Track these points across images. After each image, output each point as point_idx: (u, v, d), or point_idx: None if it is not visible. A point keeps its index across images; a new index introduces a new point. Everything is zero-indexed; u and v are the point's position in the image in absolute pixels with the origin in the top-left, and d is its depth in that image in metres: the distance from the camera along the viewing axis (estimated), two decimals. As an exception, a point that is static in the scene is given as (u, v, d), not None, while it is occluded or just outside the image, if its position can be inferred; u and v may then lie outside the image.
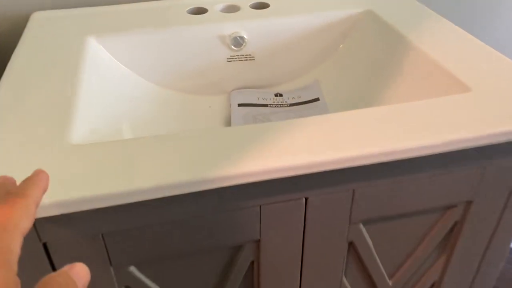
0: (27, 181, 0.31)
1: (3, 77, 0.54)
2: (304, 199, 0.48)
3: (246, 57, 0.74)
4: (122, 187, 0.39)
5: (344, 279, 0.58)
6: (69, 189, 0.39)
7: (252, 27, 0.72)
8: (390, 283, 0.61)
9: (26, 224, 0.27)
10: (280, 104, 0.73)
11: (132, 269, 0.48)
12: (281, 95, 0.75)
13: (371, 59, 0.71)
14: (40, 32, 0.66)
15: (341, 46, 0.76)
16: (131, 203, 0.42)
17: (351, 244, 0.55)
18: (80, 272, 0.27)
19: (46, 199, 0.37)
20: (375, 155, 0.44)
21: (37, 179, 0.31)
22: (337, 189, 0.48)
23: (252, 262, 0.52)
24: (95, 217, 0.43)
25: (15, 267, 0.24)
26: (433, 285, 0.65)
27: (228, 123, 0.70)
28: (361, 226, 0.53)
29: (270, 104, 0.73)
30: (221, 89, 0.76)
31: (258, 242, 0.50)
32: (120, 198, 0.39)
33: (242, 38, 0.72)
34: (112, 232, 0.44)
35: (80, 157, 0.42)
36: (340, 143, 0.44)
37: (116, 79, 0.66)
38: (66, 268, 0.27)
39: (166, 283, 0.51)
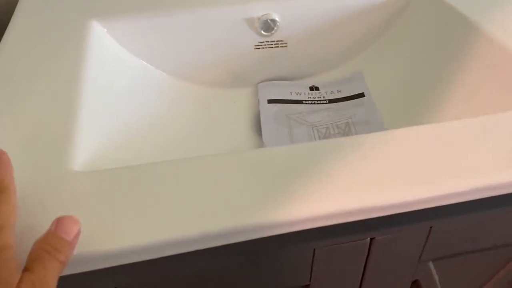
0: None
1: None
2: (369, 240, 0.38)
3: (277, 44, 0.63)
4: (152, 237, 0.29)
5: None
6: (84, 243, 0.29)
7: (285, 8, 0.60)
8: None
9: (14, 217, 0.26)
10: (317, 100, 0.62)
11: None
12: (317, 89, 0.64)
13: (426, 47, 0.60)
14: (33, 14, 0.55)
15: (388, 30, 0.64)
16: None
17: (414, 282, 0.46)
18: (67, 225, 0.26)
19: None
20: (476, 190, 0.34)
21: (2, 163, 0.29)
22: (412, 227, 0.38)
23: None
24: (110, 270, 0.33)
25: (11, 263, 0.24)
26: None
27: (256, 122, 0.59)
28: (430, 263, 0.44)
29: (305, 100, 0.62)
30: (247, 81, 0.64)
31: (307, 286, 0.41)
32: (151, 252, 0.30)
33: (273, 21, 0.60)
34: (127, 285, 0.35)
35: (87, 191, 0.32)
36: (425, 174, 0.33)
37: (125, 73, 0.55)
38: (52, 227, 0.26)
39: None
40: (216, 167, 0.34)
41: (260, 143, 0.55)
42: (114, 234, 0.29)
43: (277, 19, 0.60)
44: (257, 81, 0.64)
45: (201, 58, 0.61)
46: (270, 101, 0.61)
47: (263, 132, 0.56)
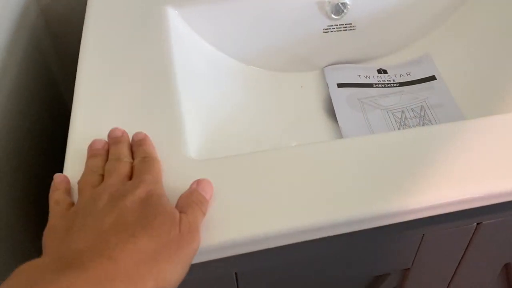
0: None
1: (80, 68, 0.43)
2: (475, 224, 0.38)
3: (346, 27, 0.62)
4: (286, 224, 0.30)
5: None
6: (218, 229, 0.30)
7: (356, -9, 0.59)
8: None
9: (162, 177, 0.32)
10: (387, 84, 0.62)
11: None
12: (385, 72, 0.63)
13: (496, 28, 0.59)
14: (108, 4, 0.54)
15: (457, 11, 0.63)
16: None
17: (505, 266, 0.46)
18: (206, 186, 0.31)
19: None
20: None
21: (148, 143, 0.34)
22: (518, 212, 0.38)
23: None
24: (232, 258, 0.34)
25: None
26: None
27: (327, 106, 0.59)
28: None
29: (376, 84, 0.62)
30: (313, 65, 0.64)
31: (407, 270, 0.41)
32: (285, 238, 0.30)
33: (344, 4, 0.59)
34: (247, 271, 0.36)
35: (208, 177, 0.33)
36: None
37: (201, 60, 0.55)
38: (194, 185, 0.31)
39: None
40: (326, 154, 0.34)
41: (337, 128, 0.55)
42: (246, 221, 0.30)
43: (347, 2, 0.59)
44: (323, 64, 0.64)
45: (270, 43, 0.61)
46: (340, 85, 0.61)
47: (338, 117, 0.56)
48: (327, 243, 0.35)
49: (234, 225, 0.30)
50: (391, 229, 0.36)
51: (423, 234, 0.37)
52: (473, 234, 0.39)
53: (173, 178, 0.33)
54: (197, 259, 0.29)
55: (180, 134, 0.36)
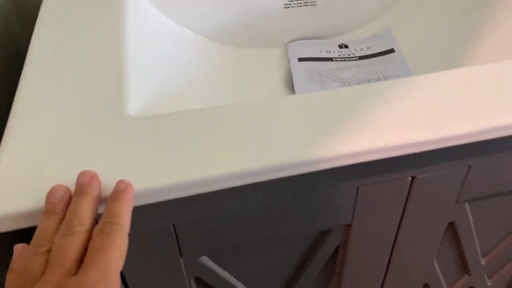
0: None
1: (34, 38, 0.44)
2: (410, 178, 0.40)
3: (306, 2, 0.63)
4: (208, 172, 0.31)
5: (434, 260, 0.51)
6: (144, 178, 0.31)
7: (314, -36, 0.61)
8: (483, 262, 0.54)
9: (123, 259, 0.27)
10: (347, 57, 0.63)
11: (204, 259, 0.42)
12: (346, 47, 0.65)
13: (454, 3, 0.60)
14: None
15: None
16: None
17: (450, 224, 0.47)
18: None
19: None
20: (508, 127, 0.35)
21: (124, 199, 0.29)
22: (451, 164, 0.39)
23: (337, 247, 0.45)
24: (167, 208, 0.35)
25: None
26: (527, 263, 0.57)
27: (288, 80, 0.60)
28: (467, 205, 0.45)
29: (336, 58, 0.63)
30: (276, 41, 0.65)
31: (348, 226, 0.43)
32: (205, 186, 0.32)
33: (303, -21, 0.61)
34: (185, 222, 0.37)
35: (144, 134, 0.34)
36: (458, 112, 0.35)
37: (160, 34, 0.56)
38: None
39: (240, 272, 0.45)
40: (263, 111, 0.36)
41: (294, 99, 0.56)
42: (174, 168, 0.31)
43: (306, -24, 0.60)
44: (287, 40, 0.65)
45: (231, 19, 0.62)
46: (301, 59, 0.62)
47: (296, 90, 0.57)
48: (264, 192, 0.37)
49: (170, 171, 0.31)
50: (326, 179, 0.37)
51: (357, 188, 0.39)
52: (410, 189, 0.41)
53: (110, 137, 0.34)
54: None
55: (122, 94, 0.37)
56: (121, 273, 0.40)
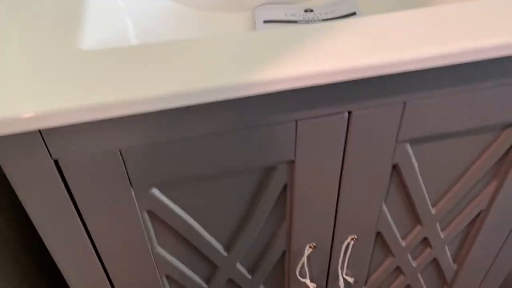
0: None
1: None
2: (346, 114, 0.42)
3: (273, -33, 0.66)
4: (142, 93, 0.34)
5: (384, 206, 0.53)
6: (82, 95, 0.33)
7: None
8: (433, 211, 0.56)
9: None
10: (311, 20, 0.65)
11: (155, 191, 0.44)
12: (311, 11, 0.67)
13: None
14: None
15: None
16: (149, 115, 0.37)
17: (395, 167, 0.49)
18: None
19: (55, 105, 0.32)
20: (434, 57, 0.37)
21: None
22: (385, 101, 0.42)
23: (285, 186, 0.48)
24: (111, 130, 0.37)
25: None
26: (478, 214, 0.59)
27: (253, 41, 0.63)
28: (408, 146, 0.47)
29: (300, 21, 0.65)
30: (244, 5, 0.68)
31: (292, 163, 0.45)
32: (140, 105, 0.34)
33: None
34: (131, 148, 0.39)
35: (92, 63, 0.36)
36: (388, 44, 0.37)
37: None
38: None
39: (192, 207, 0.47)
40: (207, 44, 0.38)
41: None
42: (118, 89, 0.34)
43: None
44: (253, 5, 0.68)
45: (200, -18, 0.64)
46: (266, 22, 0.64)
47: (258, 46, 0.60)
48: (208, 123, 0.39)
49: (112, 90, 0.34)
50: (266, 110, 0.40)
51: (296, 121, 0.41)
52: (348, 125, 0.43)
53: (59, 66, 0.36)
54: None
55: (78, 32, 0.40)
56: (74, 203, 0.43)
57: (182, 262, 0.53)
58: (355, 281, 0.62)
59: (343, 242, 0.55)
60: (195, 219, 0.48)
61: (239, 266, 0.56)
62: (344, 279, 0.60)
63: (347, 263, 0.59)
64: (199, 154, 0.41)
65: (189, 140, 0.40)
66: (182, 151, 0.41)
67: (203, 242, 0.51)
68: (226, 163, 0.43)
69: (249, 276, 0.57)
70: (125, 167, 0.41)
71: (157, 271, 0.52)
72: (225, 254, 0.53)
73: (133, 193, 0.43)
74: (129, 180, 0.42)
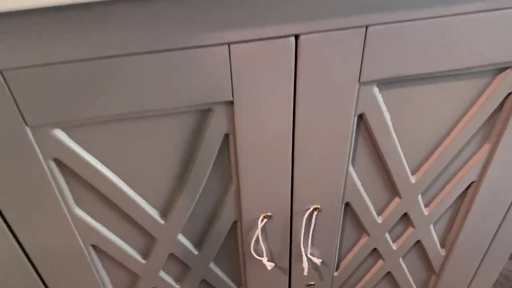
0: None
1: None
2: (293, 38, 0.34)
3: None
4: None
5: (352, 169, 0.45)
6: None
7: None
8: (412, 180, 0.47)
9: None
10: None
11: (58, 133, 0.36)
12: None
13: None
14: None
15: None
16: (29, 22, 0.29)
17: (361, 118, 0.41)
18: None
19: None
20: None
21: None
22: (342, 22, 0.33)
23: (227, 136, 0.39)
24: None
25: None
26: (469, 187, 0.50)
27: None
28: (376, 90, 0.39)
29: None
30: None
31: (231, 104, 0.37)
32: None
33: None
34: (15, 69, 0.31)
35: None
36: None
37: None
38: None
39: (110, 157, 0.39)
40: None
41: None
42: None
43: None
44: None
45: None
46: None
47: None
48: (104, 32, 0.31)
49: None
50: (187, 26, 0.31)
51: (229, 45, 0.33)
52: (296, 54, 0.34)
53: None
54: None
55: None
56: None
57: (111, 230, 0.45)
58: (323, 263, 0.53)
59: (304, 213, 0.47)
60: (116, 173, 0.40)
61: (181, 238, 0.47)
62: (309, 259, 0.52)
63: (312, 240, 0.50)
64: (107, 84, 0.33)
65: (92, 62, 0.32)
66: (84, 79, 0.33)
67: (131, 204, 0.42)
68: (144, 99, 0.35)
69: (195, 252, 0.49)
70: (13, 96, 0.33)
71: (80, 240, 0.44)
72: (161, 221, 0.45)
73: (30, 134, 0.35)
74: (21, 115, 0.34)
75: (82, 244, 0.45)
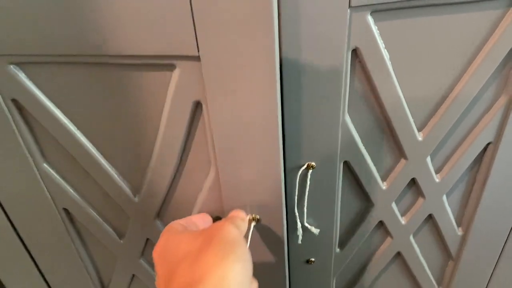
0: None
1: None
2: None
3: None
4: None
5: (348, 119, 0.41)
6: None
7: None
8: (419, 137, 0.43)
9: None
10: None
11: (13, 70, 0.34)
12: None
13: None
14: None
15: None
16: None
17: (356, 54, 0.37)
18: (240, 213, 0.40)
19: None
20: None
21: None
22: None
23: (197, 104, 0.36)
24: None
25: None
26: (486, 149, 0.45)
27: None
28: (369, 19, 0.35)
29: None
30: None
31: (197, 60, 0.33)
32: None
33: None
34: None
35: None
36: None
37: None
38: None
39: (69, 105, 0.37)
40: None
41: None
42: None
43: None
44: None
45: None
46: None
47: None
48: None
49: None
50: None
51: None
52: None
53: None
54: None
55: None
56: None
57: (82, 197, 0.42)
58: (322, 235, 0.49)
59: (298, 171, 0.43)
60: (79, 128, 0.37)
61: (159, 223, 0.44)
62: (304, 227, 0.47)
63: (308, 205, 0.46)
64: (66, 19, 0.31)
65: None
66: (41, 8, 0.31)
67: (98, 169, 0.39)
68: (103, 40, 0.32)
69: (181, 213, 0.46)
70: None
71: (51, 200, 0.41)
72: (135, 199, 0.42)
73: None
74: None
75: (54, 206, 0.42)
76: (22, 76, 0.34)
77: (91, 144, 0.39)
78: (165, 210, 0.44)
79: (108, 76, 0.35)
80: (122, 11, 0.31)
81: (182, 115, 0.36)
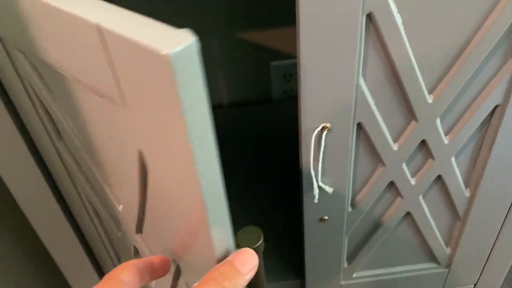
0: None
1: None
2: None
3: None
4: None
5: (362, 82, 0.43)
6: None
7: None
8: (429, 99, 0.45)
9: None
10: None
11: None
12: None
13: None
14: None
15: None
16: None
17: (370, 21, 0.39)
18: (244, 259, 0.28)
19: None
20: None
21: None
22: None
23: None
24: None
25: None
26: (494, 110, 0.47)
27: None
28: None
29: None
30: None
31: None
32: None
33: None
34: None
35: None
36: None
37: None
38: (230, 257, 0.28)
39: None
40: None
41: None
42: None
43: None
44: None
45: None
46: None
47: None
48: None
49: None
50: None
51: None
52: None
53: None
54: None
55: None
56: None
57: None
58: (336, 194, 0.52)
59: (313, 131, 0.45)
60: None
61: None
62: (320, 187, 0.50)
63: (322, 166, 0.49)
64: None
65: None
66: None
67: None
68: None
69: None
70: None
71: None
72: None
73: None
74: None
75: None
76: None
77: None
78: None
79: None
80: None
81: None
